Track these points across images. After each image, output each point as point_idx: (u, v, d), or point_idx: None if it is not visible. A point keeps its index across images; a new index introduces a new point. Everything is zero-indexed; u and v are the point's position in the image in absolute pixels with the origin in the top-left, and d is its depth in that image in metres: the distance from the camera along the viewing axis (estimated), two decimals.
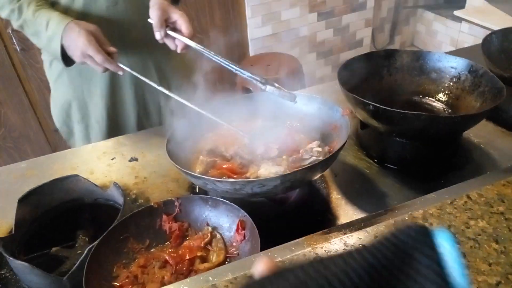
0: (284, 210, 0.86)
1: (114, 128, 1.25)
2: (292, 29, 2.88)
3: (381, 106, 0.82)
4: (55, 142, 2.47)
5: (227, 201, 0.78)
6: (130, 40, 1.14)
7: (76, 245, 0.90)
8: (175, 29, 0.96)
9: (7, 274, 0.81)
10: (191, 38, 0.93)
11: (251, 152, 0.84)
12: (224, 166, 0.85)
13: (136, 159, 1.07)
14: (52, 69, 1.20)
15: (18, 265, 0.74)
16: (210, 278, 0.53)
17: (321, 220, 0.85)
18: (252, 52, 2.80)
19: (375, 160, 0.98)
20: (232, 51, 2.76)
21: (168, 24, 0.95)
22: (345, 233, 0.58)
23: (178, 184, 0.97)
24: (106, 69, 0.98)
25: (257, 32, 2.76)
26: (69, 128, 1.28)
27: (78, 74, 1.17)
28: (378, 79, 1.07)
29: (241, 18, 2.70)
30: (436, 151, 0.92)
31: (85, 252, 0.73)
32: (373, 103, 0.83)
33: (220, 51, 0.91)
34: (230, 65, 0.86)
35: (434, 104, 1.04)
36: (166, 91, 0.93)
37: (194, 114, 0.92)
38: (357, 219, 0.62)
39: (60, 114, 1.27)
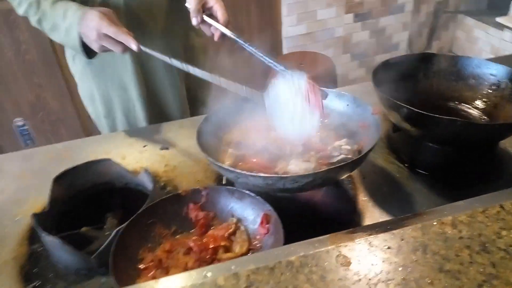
0: (310, 208, 0.86)
1: (148, 118, 1.27)
2: (327, 29, 2.86)
3: (415, 110, 0.80)
4: (90, 128, 2.54)
5: (253, 194, 0.79)
6: (151, 32, 1.15)
7: (105, 226, 0.92)
8: (211, 16, 0.97)
9: (39, 249, 0.84)
10: (226, 25, 0.94)
11: (279, 147, 0.85)
12: (254, 160, 0.85)
13: (167, 148, 1.09)
14: (76, 64, 1.23)
15: (50, 240, 0.77)
16: (233, 267, 0.54)
17: (347, 221, 0.85)
18: (285, 50, 2.80)
19: (406, 165, 0.96)
20: (265, 48, 2.77)
21: (204, 9, 0.96)
22: (370, 234, 0.58)
23: (206, 174, 0.99)
24: (124, 50, 0.94)
25: (291, 30, 2.76)
26: (99, 120, 1.32)
27: (101, 69, 1.19)
28: (413, 83, 1.06)
29: (276, 16, 2.70)
30: (470, 159, 0.90)
31: (113, 233, 0.75)
32: (407, 106, 0.81)
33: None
34: (264, 56, 0.86)
35: (470, 111, 1.02)
36: (190, 69, 0.89)
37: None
38: (383, 221, 0.62)
39: (90, 108, 1.31)
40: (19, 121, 2.40)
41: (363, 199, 0.89)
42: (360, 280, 0.50)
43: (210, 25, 0.97)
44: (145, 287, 0.55)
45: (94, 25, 0.92)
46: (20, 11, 1.04)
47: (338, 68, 2.59)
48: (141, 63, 1.19)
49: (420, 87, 1.05)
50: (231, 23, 0.97)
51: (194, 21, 0.96)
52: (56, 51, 2.28)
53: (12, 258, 0.82)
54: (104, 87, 1.22)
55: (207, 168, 1.01)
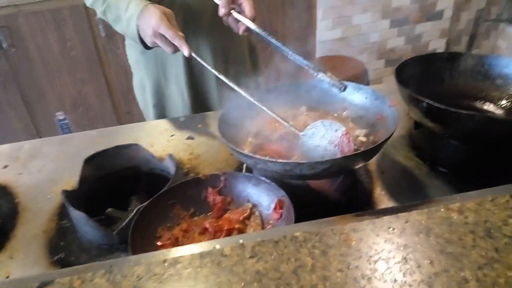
0: (324, 197, 0.87)
1: (193, 108, 1.33)
2: (362, 34, 2.84)
3: (435, 104, 0.80)
4: (126, 123, 2.64)
5: (269, 181, 0.81)
6: (201, 25, 1.20)
7: (129, 208, 0.97)
8: (239, 12, 1.00)
9: (67, 225, 0.90)
10: (253, 20, 0.97)
11: (297, 137, 0.87)
12: (272, 149, 0.88)
13: (192, 138, 1.13)
14: (131, 54, 1.31)
15: (77, 215, 0.82)
16: (241, 240, 0.57)
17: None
18: (319, 54, 2.81)
19: (426, 162, 0.96)
20: (298, 51, 2.79)
21: (233, 5, 1.00)
22: (377, 217, 0.59)
23: (227, 163, 1.02)
24: (175, 50, 1.01)
25: (326, 34, 2.77)
26: (147, 110, 1.39)
27: (153, 60, 1.26)
28: (438, 82, 1.05)
29: (312, 20, 2.72)
30: (491, 157, 0.88)
31: (135, 210, 0.79)
32: (427, 100, 0.82)
33: None
34: (286, 50, 0.89)
35: (496, 111, 1.00)
36: (222, 77, 0.95)
37: (244, 98, 0.96)
38: (391, 207, 0.62)
39: (140, 97, 1.38)
40: (60, 115, 2.53)
41: (380, 193, 0.89)
42: (361, 256, 0.52)
43: (237, 21, 1.01)
44: (158, 255, 0.58)
45: (153, 23, 0.98)
46: (88, 3, 1.14)
47: (371, 74, 2.58)
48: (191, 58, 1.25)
49: (445, 87, 1.04)
50: (257, 20, 1.00)
51: (222, 11, 0.99)
52: (98, 49, 2.40)
53: (42, 231, 0.88)
54: (155, 77, 1.30)
55: (228, 157, 1.04)
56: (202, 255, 0.54)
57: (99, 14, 1.14)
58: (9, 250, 0.84)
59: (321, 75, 0.85)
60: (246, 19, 0.98)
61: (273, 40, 0.92)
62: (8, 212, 0.94)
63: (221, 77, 0.96)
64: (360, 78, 2.36)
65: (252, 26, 0.97)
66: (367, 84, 2.46)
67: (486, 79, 1.02)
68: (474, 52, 3.33)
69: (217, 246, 0.56)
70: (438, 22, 2.96)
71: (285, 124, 0.86)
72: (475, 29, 3.24)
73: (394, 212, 0.59)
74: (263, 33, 0.94)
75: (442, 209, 0.58)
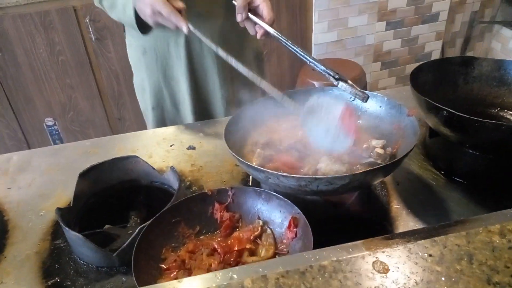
0: (339, 213, 0.82)
1: (196, 112, 1.27)
2: (358, 37, 2.81)
3: (456, 113, 0.76)
4: (118, 129, 2.57)
5: (281, 196, 0.76)
6: (211, 28, 1.15)
7: (128, 225, 0.91)
8: (256, 14, 0.95)
9: (62, 245, 0.83)
10: (271, 24, 0.92)
11: (306, 146, 0.81)
12: (281, 160, 0.82)
13: (193, 148, 1.07)
14: (132, 54, 1.26)
15: (73, 236, 0.75)
16: (260, 269, 0.51)
17: (379, 228, 0.80)
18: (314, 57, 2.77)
19: (442, 172, 0.91)
20: (294, 54, 2.74)
21: (250, 7, 0.95)
22: (409, 241, 0.53)
23: (232, 175, 0.96)
24: (177, 27, 0.95)
25: (322, 37, 2.72)
26: (147, 111, 1.33)
27: (155, 60, 1.21)
28: (452, 87, 1.00)
29: (307, 22, 2.67)
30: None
31: (137, 230, 0.73)
32: (447, 109, 0.77)
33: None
34: (306, 56, 0.84)
35: None
36: (233, 62, 0.90)
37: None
38: (422, 228, 0.57)
39: (140, 98, 1.33)
40: (49, 121, 2.45)
41: (396, 206, 0.84)
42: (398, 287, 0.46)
43: (254, 23, 0.96)
44: (167, 287, 0.52)
45: (149, 1, 0.92)
46: None
47: (367, 77, 2.54)
48: (193, 59, 1.20)
49: (459, 92, 1.00)
50: (275, 22, 0.95)
51: (239, 17, 0.95)
52: (88, 53, 2.32)
53: (34, 253, 0.81)
54: (155, 78, 1.25)
55: (233, 169, 0.98)
56: None
57: (96, 2, 1.10)
58: None
59: (341, 84, 0.79)
60: (264, 23, 0.93)
61: (292, 46, 0.87)
62: None
63: (226, 56, 0.91)
64: (358, 81, 2.32)
65: (271, 30, 0.92)
66: (365, 87, 2.43)
67: (502, 84, 0.98)
68: (468, 54, 3.32)
69: (235, 276, 0.50)
70: (433, 24, 2.94)
71: (284, 103, 0.83)
72: (470, 31, 3.23)
73: (428, 235, 0.53)
74: (281, 38, 0.89)
75: (481, 232, 0.53)
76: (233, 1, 0.95)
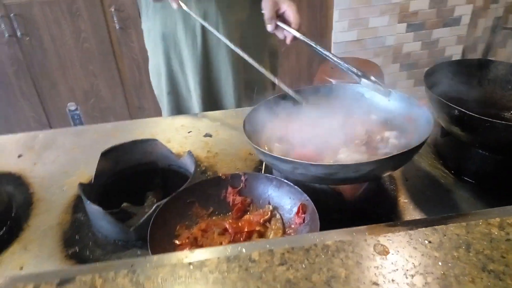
0: (347, 204, 0.84)
1: (205, 101, 1.31)
2: (378, 37, 2.81)
3: (468, 112, 0.78)
4: (137, 118, 2.62)
5: (291, 183, 0.79)
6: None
7: (145, 204, 0.95)
8: (283, 19, 0.99)
9: (82, 218, 0.88)
10: (298, 29, 0.96)
11: (324, 139, 0.84)
12: (300, 153, 0.85)
13: (210, 135, 1.11)
14: (150, 40, 1.30)
15: (93, 209, 0.80)
16: (268, 245, 0.54)
17: (385, 220, 0.83)
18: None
19: (452, 171, 0.93)
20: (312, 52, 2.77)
21: (277, 14, 0.98)
22: (411, 228, 0.56)
23: (245, 163, 1.00)
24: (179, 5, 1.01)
25: (341, 36, 2.74)
26: (162, 97, 1.38)
27: (173, 47, 1.25)
28: (466, 89, 1.02)
29: (327, 21, 2.69)
30: None
31: (153, 207, 0.77)
32: (459, 108, 0.79)
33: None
34: (329, 55, 0.88)
35: None
36: (239, 51, 0.95)
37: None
38: (425, 218, 0.60)
39: (155, 83, 1.37)
40: (72, 106, 2.52)
41: (404, 201, 0.86)
42: (397, 270, 0.49)
43: (283, 29, 1.00)
44: (180, 255, 0.56)
45: None
46: None
47: (385, 78, 2.54)
48: (208, 49, 1.24)
49: (473, 94, 1.01)
50: (302, 26, 0.99)
51: (269, 28, 1.00)
52: (112, 41, 2.39)
53: (57, 224, 0.86)
54: (171, 64, 1.29)
55: (247, 157, 1.02)
56: (229, 259, 0.52)
57: None
58: (23, 241, 0.82)
59: (363, 81, 0.82)
60: (291, 29, 0.96)
61: (318, 47, 0.90)
62: (23, 202, 0.92)
63: (234, 46, 0.96)
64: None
65: (297, 34, 0.95)
66: None
67: None
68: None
69: (244, 250, 0.54)
70: (455, 28, 2.92)
71: (290, 92, 0.87)
72: (492, 37, 3.19)
73: (429, 224, 0.56)
74: (308, 41, 0.93)
75: (481, 224, 0.55)
76: (262, 11, 0.99)
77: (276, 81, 0.92)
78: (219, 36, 1.01)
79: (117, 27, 2.34)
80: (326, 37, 2.76)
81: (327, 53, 0.89)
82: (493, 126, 0.76)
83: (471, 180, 0.90)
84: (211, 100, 1.33)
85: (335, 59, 0.88)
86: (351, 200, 0.84)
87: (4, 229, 0.86)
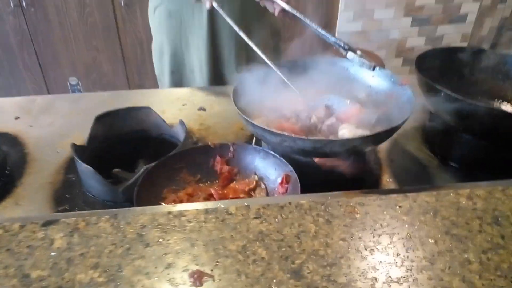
0: (331, 178, 0.87)
1: (210, 80, 1.33)
2: (383, 30, 2.81)
3: (452, 94, 0.79)
4: None
5: (277, 155, 0.81)
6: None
7: (136, 171, 0.98)
8: None
9: (73, 178, 0.90)
10: (288, 1, 0.97)
11: (309, 118, 0.86)
12: (285, 127, 0.87)
13: (204, 109, 1.13)
14: (155, 16, 1.31)
15: (84, 168, 0.83)
16: (246, 203, 0.57)
17: None
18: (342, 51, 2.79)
19: (438, 156, 0.95)
20: (317, 40, 2.77)
21: None
22: (383, 194, 0.58)
23: (237, 137, 1.02)
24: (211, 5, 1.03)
25: (346, 26, 2.74)
26: (163, 76, 1.39)
27: (178, 26, 1.26)
28: (457, 77, 1.03)
29: (333, 10, 2.69)
30: (505, 154, 0.87)
31: (142, 170, 0.80)
32: (444, 90, 0.81)
33: None
34: (318, 29, 0.89)
35: None
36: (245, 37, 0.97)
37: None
38: (400, 188, 0.62)
39: (157, 62, 1.38)
40: (73, 80, 2.54)
41: (388, 180, 0.88)
42: (365, 229, 0.52)
43: (272, 2, 1.01)
44: (163, 208, 0.58)
45: None
46: None
47: None
48: (214, 27, 1.25)
49: (464, 82, 1.03)
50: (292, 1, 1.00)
51: None
52: (116, 18, 2.39)
53: (48, 182, 0.89)
54: (176, 42, 1.29)
55: (238, 131, 1.04)
56: (207, 211, 0.54)
57: None
58: (15, 197, 0.85)
59: (350, 54, 0.84)
60: (280, 0, 0.98)
61: (307, 20, 0.91)
62: (17, 161, 0.94)
63: (245, 37, 0.97)
64: None
65: (286, 6, 0.97)
66: None
67: (506, 78, 1.01)
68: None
69: (222, 206, 0.56)
70: (460, 26, 2.92)
71: (296, 91, 0.89)
72: (498, 37, 3.18)
73: (402, 191, 0.58)
74: (297, 14, 0.94)
75: (451, 194, 0.57)
76: None
77: (268, 61, 0.94)
78: (230, 22, 1.01)
79: (122, 4, 2.34)
80: (331, 26, 2.76)
81: (315, 27, 0.90)
82: (476, 109, 0.78)
83: (456, 165, 0.92)
84: (216, 78, 1.35)
85: (323, 32, 0.89)
86: (335, 175, 0.86)
87: None
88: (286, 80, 0.90)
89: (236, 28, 0.98)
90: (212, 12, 1.22)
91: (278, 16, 1.02)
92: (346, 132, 0.82)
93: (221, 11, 1.00)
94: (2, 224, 0.53)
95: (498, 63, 1.02)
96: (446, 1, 2.79)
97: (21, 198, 0.84)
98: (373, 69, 0.85)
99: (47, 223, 0.52)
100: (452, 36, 2.96)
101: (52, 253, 0.49)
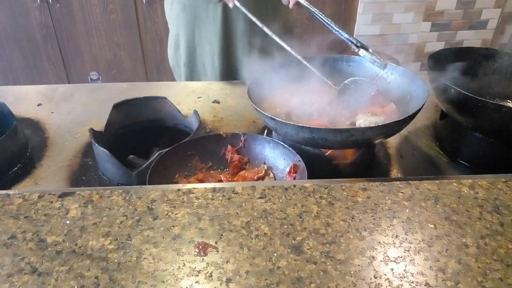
0: (339, 170, 0.88)
1: (222, 74, 1.36)
2: (401, 34, 2.81)
3: (463, 91, 0.80)
4: None
5: (287, 146, 0.83)
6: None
7: (150, 158, 1.01)
8: None
9: (90, 162, 0.94)
10: None
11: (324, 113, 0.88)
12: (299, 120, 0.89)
13: (218, 102, 1.16)
14: (173, 10, 1.34)
15: (100, 151, 0.86)
16: (252, 185, 0.59)
17: None
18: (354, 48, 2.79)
19: (447, 153, 0.96)
20: (333, 43, 2.78)
21: None
22: (387, 181, 0.60)
23: (248, 129, 1.04)
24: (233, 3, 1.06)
25: (364, 29, 2.74)
26: (178, 68, 1.43)
27: (193, 18, 1.29)
28: (470, 77, 1.03)
29: (351, 13, 2.70)
30: None
31: (155, 155, 0.83)
32: (454, 87, 0.81)
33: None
34: (331, 24, 0.91)
35: None
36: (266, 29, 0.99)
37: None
38: (404, 177, 0.63)
39: (172, 54, 1.42)
40: (94, 75, 2.61)
41: (396, 175, 0.89)
42: (366, 212, 0.53)
43: None
44: (174, 186, 0.61)
45: None
46: None
47: None
48: (228, 22, 1.28)
49: (477, 82, 1.03)
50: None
51: None
52: (138, 15, 2.45)
53: (66, 165, 0.92)
54: (191, 36, 1.33)
55: (250, 124, 1.06)
56: (214, 190, 0.56)
57: None
58: (34, 177, 0.88)
59: (362, 51, 0.86)
60: None
61: (320, 15, 0.93)
62: (38, 144, 0.99)
63: (265, 29, 1.00)
64: None
65: (301, 0, 0.98)
66: None
67: None
68: None
69: (229, 186, 0.59)
70: (481, 32, 2.89)
71: (324, 79, 0.91)
72: None
73: (405, 179, 0.60)
74: (311, 8, 0.96)
75: (454, 183, 0.58)
76: None
77: (289, 49, 0.95)
78: (253, 19, 1.03)
79: (144, 1, 2.40)
80: (349, 29, 2.77)
81: (329, 22, 0.92)
82: (485, 106, 0.78)
83: (466, 163, 0.93)
84: (227, 73, 1.37)
85: (336, 28, 0.91)
86: (343, 167, 0.87)
87: (19, 165, 0.92)
88: (319, 74, 0.92)
89: (260, 24, 1.00)
90: (226, 7, 1.25)
91: (292, 9, 1.04)
92: (362, 121, 0.83)
93: (243, 9, 1.02)
94: (22, 194, 0.56)
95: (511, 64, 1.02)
96: (467, 6, 2.77)
97: (40, 179, 0.88)
98: (384, 68, 0.87)
99: (63, 195, 0.56)
100: (472, 42, 2.93)
101: (67, 221, 0.52)
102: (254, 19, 1.02)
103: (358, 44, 0.88)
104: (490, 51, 1.04)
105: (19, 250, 0.48)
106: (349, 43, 0.90)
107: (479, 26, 2.87)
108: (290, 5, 1.03)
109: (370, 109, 0.89)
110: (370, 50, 0.87)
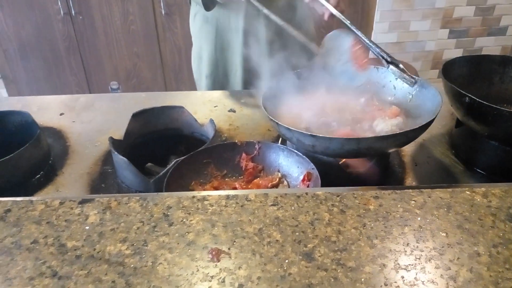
0: (353, 178, 0.88)
1: (243, 84, 1.38)
2: (419, 41, 2.79)
3: (477, 100, 0.80)
4: None
5: (300, 154, 0.84)
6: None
7: (167, 166, 1.03)
8: None
9: (109, 170, 0.97)
10: (336, 6, 1.00)
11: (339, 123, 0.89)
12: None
13: (234, 111, 1.18)
14: (195, 22, 1.38)
15: (119, 159, 0.88)
16: (265, 192, 0.60)
17: None
18: (371, 55, 2.79)
19: (463, 162, 0.95)
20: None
21: None
22: (399, 189, 0.60)
23: (263, 137, 1.06)
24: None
25: (381, 37, 2.74)
26: (200, 80, 1.46)
27: (215, 30, 1.32)
28: (487, 85, 1.03)
29: (368, 20, 2.70)
30: None
31: (172, 163, 0.85)
32: (469, 95, 0.81)
33: None
34: (363, 38, 0.92)
35: None
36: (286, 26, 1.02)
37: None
38: (417, 185, 0.64)
39: (195, 67, 1.45)
40: (114, 85, 2.67)
41: (410, 184, 0.89)
42: (377, 220, 0.54)
43: (322, 4, 1.04)
44: (189, 193, 0.62)
45: None
46: None
47: None
48: (250, 32, 1.31)
49: (493, 91, 1.03)
50: (341, 4, 1.03)
51: None
52: (157, 26, 2.51)
53: (87, 173, 0.95)
54: (212, 47, 1.36)
55: (265, 132, 1.08)
56: (228, 197, 0.58)
57: None
58: (56, 184, 0.91)
59: (391, 68, 0.87)
60: (329, 5, 1.01)
61: (353, 27, 0.94)
62: (60, 152, 1.02)
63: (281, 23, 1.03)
64: None
65: (334, 12, 0.99)
66: None
67: None
68: None
69: (242, 193, 0.60)
70: (500, 38, 2.85)
71: (307, 41, 1.00)
72: None
73: (417, 188, 0.60)
74: (344, 20, 0.97)
75: (467, 192, 0.58)
76: None
77: (311, 46, 0.97)
78: (278, 22, 1.05)
79: (163, 13, 2.46)
80: (366, 36, 2.77)
81: (361, 35, 0.93)
82: (500, 114, 0.78)
83: (481, 171, 0.92)
84: (249, 82, 1.39)
85: (367, 41, 0.91)
86: (357, 175, 0.88)
87: (41, 173, 0.96)
88: (301, 36, 0.95)
89: (290, 29, 1.03)
90: (248, 18, 1.27)
91: (327, 20, 1.05)
92: (382, 126, 0.83)
93: (256, 3, 1.05)
94: (44, 200, 0.59)
95: None
96: (485, 13, 2.74)
97: (61, 186, 0.91)
98: (414, 86, 0.87)
99: (83, 201, 0.58)
100: (491, 48, 2.90)
101: (86, 227, 0.54)
102: (273, 16, 1.04)
103: (388, 60, 0.89)
104: (506, 58, 1.03)
105: (40, 255, 0.50)
106: (380, 57, 0.91)
107: (498, 32, 2.84)
108: (325, 17, 1.04)
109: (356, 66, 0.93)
110: (401, 66, 0.88)
